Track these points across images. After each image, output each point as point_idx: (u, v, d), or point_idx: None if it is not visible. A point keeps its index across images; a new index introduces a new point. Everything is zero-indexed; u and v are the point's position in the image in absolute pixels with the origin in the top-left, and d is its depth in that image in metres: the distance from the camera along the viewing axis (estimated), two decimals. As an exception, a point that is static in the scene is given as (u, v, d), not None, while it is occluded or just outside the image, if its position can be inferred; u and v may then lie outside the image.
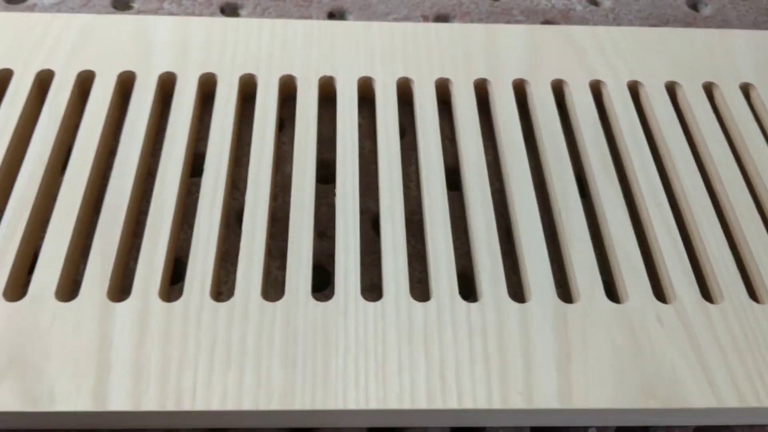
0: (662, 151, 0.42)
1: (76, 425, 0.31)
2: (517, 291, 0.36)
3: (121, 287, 0.35)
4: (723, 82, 0.45)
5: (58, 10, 0.49)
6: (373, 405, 0.31)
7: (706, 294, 0.36)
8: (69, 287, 0.35)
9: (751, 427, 0.33)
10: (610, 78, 0.44)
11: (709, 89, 0.45)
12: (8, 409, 0.30)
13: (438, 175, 0.39)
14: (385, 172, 0.39)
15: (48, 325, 0.32)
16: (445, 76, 0.44)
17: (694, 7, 0.54)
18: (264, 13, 0.50)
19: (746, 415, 0.32)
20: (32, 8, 0.49)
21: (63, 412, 0.30)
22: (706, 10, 0.53)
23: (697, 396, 0.31)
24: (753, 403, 0.31)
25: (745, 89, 0.45)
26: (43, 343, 0.32)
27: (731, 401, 0.31)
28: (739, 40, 0.47)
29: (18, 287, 0.35)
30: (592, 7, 0.53)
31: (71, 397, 0.30)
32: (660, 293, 0.35)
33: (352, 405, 0.31)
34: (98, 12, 0.49)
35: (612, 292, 0.36)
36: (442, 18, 0.51)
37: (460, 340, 0.33)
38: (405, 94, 0.44)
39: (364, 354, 0.32)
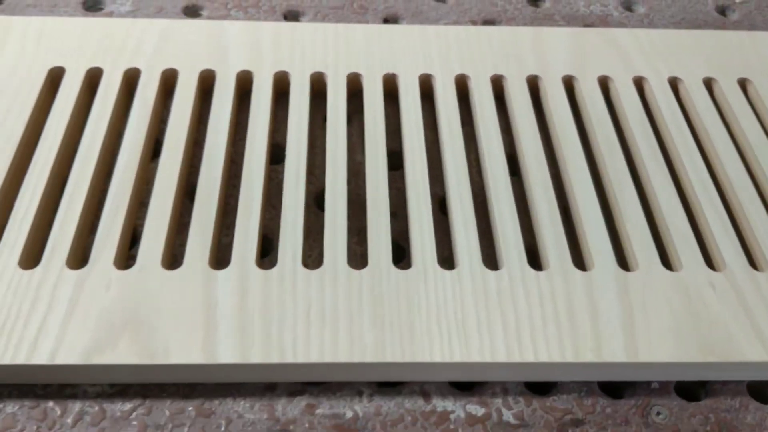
0: (702, 138, 0.45)
1: (184, 379, 0.34)
2: (579, 261, 0.39)
3: (217, 259, 0.39)
4: (755, 78, 0.48)
5: (134, 17, 0.53)
6: (457, 358, 0.34)
7: (752, 263, 0.39)
8: (170, 258, 0.38)
9: (799, 381, 0.36)
10: (651, 74, 0.48)
11: (743, 84, 0.48)
12: (127, 362, 0.33)
13: (500, 160, 0.42)
14: (449, 158, 0.43)
15: (157, 290, 0.36)
16: (499, 73, 0.48)
17: (723, 13, 0.57)
18: (324, 20, 0.54)
19: (795, 369, 0.35)
20: (110, 15, 0.53)
21: (177, 365, 0.33)
22: (733, 16, 0.57)
23: (750, 351, 0.35)
24: (802, 357, 0.35)
25: (777, 85, 0.48)
26: (154, 306, 0.35)
27: (782, 355, 0.35)
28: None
29: (124, 258, 0.38)
30: (628, 13, 0.56)
31: (184, 352, 0.33)
32: (710, 263, 0.39)
33: (438, 358, 0.34)
34: (171, 19, 0.53)
35: (666, 262, 0.39)
36: (489, 23, 0.55)
37: (531, 303, 0.36)
38: (462, 90, 0.48)
39: (445, 315, 0.35)
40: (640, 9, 0.57)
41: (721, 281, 0.37)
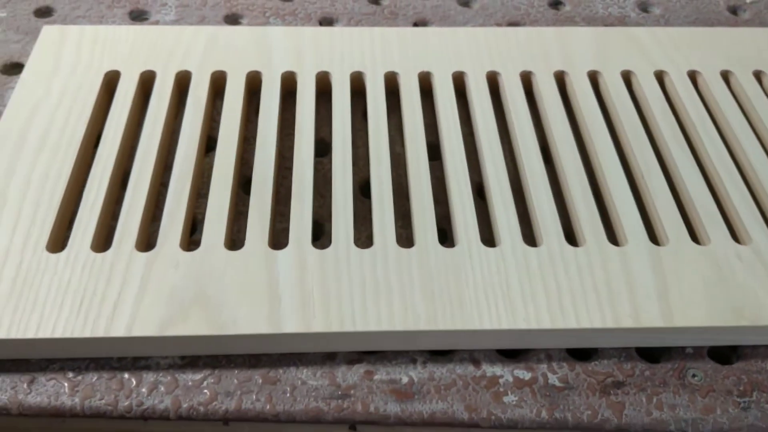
0: (722, 124, 0.48)
1: (250, 350, 0.37)
2: (613, 238, 0.41)
3: (274, 241, 0.41)
4: (770, 71, 0.51)
5: (179, 26, 0.56)
6: (505, 326, 0.36)
7: (777, 237, 0.41)
8: (231, 242, 0.41)
9: (825, 345, 0.38)
10: (671, 68, 0.51)
11: (758, 75, 0.51)
12: (199, 333, 0.36)
13: (533, 149, 0.45)
14: (486, 148, 0.45)
15: (222, 268, 0.38)
16: (528, 69, 0.50)
17: (734, 12, 0.60)
18: (357, 25, 0.57)
19: (821, 333, 0.38)
20: (156, 24, 0.56)
21: (245, 335, 0.36)
22: (745, 15, 0.60)
23: (778, 315, 0.37)
24: (827, 320, 0.37)
25: (790, 75, 0.51)
26: (220, 282, 0.37)
27: (808, 318, 0.37)
28: (781, 36, 0.54)
29: (187, 243, 0.41)
30: (645, 14, 0.59)
31: (252, 323, 0.36)
32: (736, 237, 0.41)
33: (486, 325, 0.36)
34: (216, 25, 0.56)
35: (695, 238, 0.41)
36: (513, 25, 0.58)
37: (571, 275, 0.38)
38: (493, 86, 0.50)
39: (491, 287, 0.38)
40: (656, 10, 0.60)
41: (748, 253, 0.40)
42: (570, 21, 0.58)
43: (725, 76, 0.51)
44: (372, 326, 0.36)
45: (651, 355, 0.38)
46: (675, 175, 0.44)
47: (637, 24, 0.58)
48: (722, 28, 0.54)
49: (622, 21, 0.58)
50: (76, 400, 0.35)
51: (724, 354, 0.38)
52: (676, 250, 0.40)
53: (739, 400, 0.36)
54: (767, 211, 0.43)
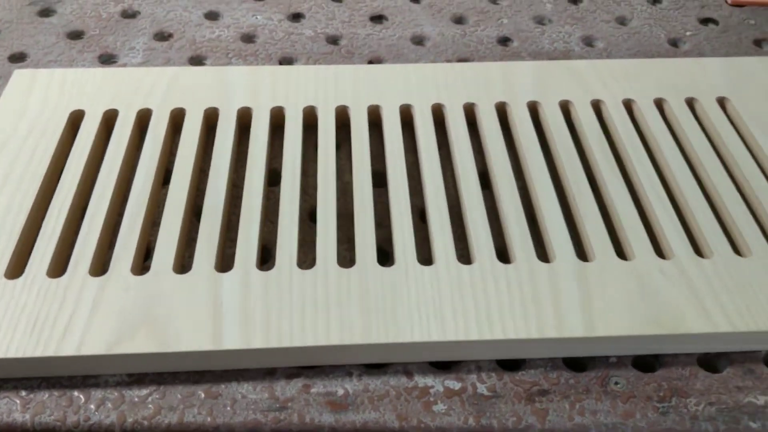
0: (653, 148, 0.50)
1: (194, 367, 0.39)
2: (542, 256, 0.43)
3: (223, 264, 0.43)
4: (702, 97, 0.54)
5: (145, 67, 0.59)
6: (435, 338, 0.38)
7: (698, 252, 0.43)
8: (181, 267, 0.43)
9: (744, 353, 0.40)
10: (608, 97, 0.54)
11: (690, 103, 0.54)
12: (145, 351, 0.38)
13: (472, 175, 0.48)
14: (428, 174, 0.48)
15: (170, 291, 0.40)
16: (471, 101, 0.53)
17: (675, 44, 0.64)
18: (315, 64, 0.60)
19: (738, 340, 0.40)
20: (124, 66, 0.59)
21: (188, 352, 0.38)
22: (684, 47, 0.63)
23: (695, 324, 0.39)
24: (742, 327, 0.39)
25: (721, 102, 0.54)
26: (168, 304, 0.40)
27: (724, 327, 0.39)
28: (715, 65, 0.57)
29: (139, 268, 0.43)
30: (588, 48, 0.63)
31: (194, 340, 0.38)
32: (660, 253, 0.43)
33: (417, 338, 0.38)
34: (179, 66, 0.59)
35: (621, 254, 0.43)
36: (462, 61, 0.61)
37: (500, 290, 0.40)
38: (438, 117, 0.53)
39: (424, 303, 0.40)
40: (599, 44, 0.63)
41: (670, 267, 0.42)
42: (517, 56, 0.61)
43: (659, 103, 0.54)
44: (309, 341, 0.38)
45: (577, 364, 0.40)
46: (605, 196, 0.47)
47: (581, 57, 0.61)
48: (658, 59, 0.57)
49: (567, 55, 0.62)
50: (27, 416, 0.37)
51: (648, 363, 0.40)
52: (602, 265, 0.42)
53: (658, 405, 0.38)
54: (692, 228, 0.45)
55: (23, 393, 0.38)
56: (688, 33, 0.64)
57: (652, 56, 0.62)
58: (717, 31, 0.65)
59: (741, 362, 0.40)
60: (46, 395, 0.38)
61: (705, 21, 0.67)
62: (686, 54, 0.62)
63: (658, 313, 0.40)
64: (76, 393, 0.38)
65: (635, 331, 0.39)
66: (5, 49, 0.61)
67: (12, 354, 0.37)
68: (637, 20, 0.66)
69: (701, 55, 0.62)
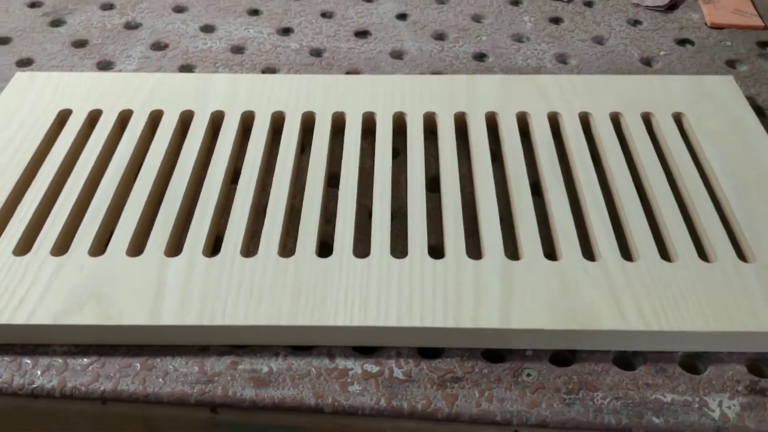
0: (602, 157, 0.52)
1: (134, 341, 0.42)
2: (474, 253, 0.45)
3: (174, 250, 0.47)
4: (659, 112, 0.55)
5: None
6: (356, 322, 0.40)
7: (627, 256, 0.45)
8: (136, 249, 0.46)
9: (660, 353, 0.41)
10: (565, 110, 0.55)
11: (647, 117, 0.55)
12: (89, 323, 0.41)
13: (420, 179, 0.50)
14: (379, 177, 0.50)
15: (120, 272, 0.44)
16: (432, 110, 0.56)
17: (648, 63, 0.65)
18: (296, 74, 0.64)
19: (652, 340, 0.41)
20: (118, 72, 0.64)
21: (128, 325, 0.41)
22: (657, 65, 0.65)
23: (609, 321, 0.40)
24: (654, 327, 0.40)
25: (677, 117, 0.55)
26: (117, 284, 0.43)
27: (637, 326, 0.40)
28: (675, 82, 0.58)
29: (99, 249, 0.46)
30: (561, 65, 0.65)
31: (134, 315, 0.41)
32: (589, 255, 0.45)
33: (340, 322, 0.41)
34: (166, 73, 0.63)
35: (552, 255, 0.45)
36: (436, 74, 0.63)
37: (426, 284, 0.43)
38: (399, 125, 0.56)
39: (352, 291, 0.42)
40: (572, 62, 0.65)
41: (594, 268, 0.43)
42: (489, 71, 0.64)
43: (615, 117, 0.55)
44: (239, 321, 0.41)
45: (496, 356, 0.41)
46: (546, 199, 0.49)
47: (551, 73, 0.63)
48: (621, 75, 0.59)
49: (538, 71, 0.64)
50: (-21, 378, 0.40)
51: (564, 358, 0.42)
52: (529, 264, 0.44)
53: (565, 396, 0.39)
54: (625, 233, 0.46)
55: (-21, 357, 0.41)
56: (662, 53, 0.66)
57: (623, 74, 0.63)
58: (691, 51, 0.66)
59: (655, 362, 0.41)
60: (-1, 360, 0.41)
61: (682, 42, 0.68)
62: (657, 73, 0.63)
63: (574, 310, 0.41)
64: (26, 359, 0.41)
65: (549, 326, 0.40)
66: (14, 54, 0.66)
67: (-31, 320, 0.41)
68: (614, 40, 0.68)
69: (672, 73, 0.63)
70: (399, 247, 0.47)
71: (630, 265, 0.44)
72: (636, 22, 0.71)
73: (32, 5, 0.74)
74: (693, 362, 0.41)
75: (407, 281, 0.43)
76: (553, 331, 0.40)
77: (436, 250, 0.46)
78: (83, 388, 0.40)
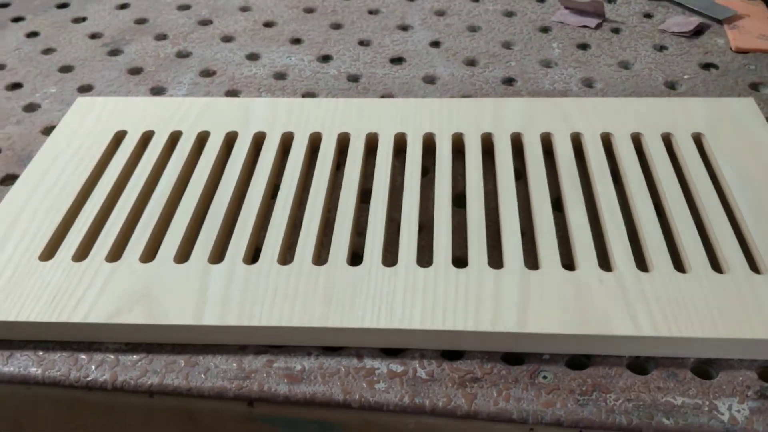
0: (622, 175, 0.54)
1: (179, 340, 0.45)
2: (496, 263, 0.48)
3: (217, 258, 0.50)
4: (679, 132, 0.57)
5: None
6: (382, 325, 0.44)
7: (643, 266, 0.47)
8: (183, 256, 0.50)
9: (672, 359, 0.43)
10: (587, 130, 0.58)
11: (667, 137, 0.57)
12: (138, 322, 0.45)
13: (447, 196, 0.53)
14: (408, 193, 0.54)
15: (167, 277, 0.48)
16: (460, 131, 0.59)
17: (672, 87, 0.67)
18: (329, 98, 0.68)
19: (663, 345, 0.43)
20: (169, 97, 0.69)
21: (173, 325, 0.45)
22: (680, 89, 0.67)
23: (621, 327, 0.43)
24: (665, 333, 0.42)
25: (697, 137, 0.57)
26: (163, 287, 0.47)
27: (647, 331, 0.42)
28: (696, 104, 0.60)
29: (149, 257, 0.50)
30: (586, 88, 0.67)
31: (179, 316, 0.45)
32: (606, 266, 0.47)
33: (367, 324, 0.44)
34: (212, 97, 0.68)
35: (569, 265, 0.48)
36: (466, 98, 0.67)
37: (449, 291, 0.45)
38: (429, 145, 0.59)
39: (379, 297, 0.45)
40: (598, 85, 0.68)
41: (609, 278, 0.46)
42: (516, 95, 0.67)
43: (635, 137, 0.58)
44: (274, 322, 0.44)
45: (514, 359, 0.44)
46: (566, 214, 0.51)
47: (577, 97, 0.66)
48: (643, 98, 0.61)
49: (564, 95, 0.66)
50: (39, 371, 0.44)
51: (580, 362, 0.44)
52: (546, 273, 0.46)
53: (579, 397, 0.41)
54: (641, 245, 0.49)
55: (40, 353, 0.46)
56: (686, 76, 0.68)
57: (646, 97, 0.65)
58: (715, 75, 0.68)
59: (667, 367, 0.43)
60: (57, 356, 0.45)
61: (706, 66, 0.70)
62: (680, 95, 0.65)
63: (588, 316, 0.43)
64: (82, 355, 0.45)
65: (564, 330, 0.43)
66: (77, 81, 0.72)
67: (33, 318, 0.45)
68: (639, 64, 0.70)
69: (694, 96, 0.65)
70: (425, 257, 0.50)
71: (644, 276, 0.46)
72: (662, 48, 0.73)
73: (93, 36, 0.80)
74: (704, 368, 0.43)
75: (431, 288, 0.46)
76: (567, 335, 0.43)
77: (460, 261, 0.49)
78: (132, 382, 0.44)
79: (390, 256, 0.50)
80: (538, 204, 0.52)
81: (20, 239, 0.51)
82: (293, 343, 0.45)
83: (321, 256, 0.51)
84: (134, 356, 0.45)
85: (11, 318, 0.45)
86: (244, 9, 0.84)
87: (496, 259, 0.49)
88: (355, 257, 0.51)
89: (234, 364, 0.44)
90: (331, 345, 0.45)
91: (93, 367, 0.45)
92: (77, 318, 0.45)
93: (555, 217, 0.51)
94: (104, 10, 0.85)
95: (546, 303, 0.44)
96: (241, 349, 0.45)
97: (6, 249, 0.50)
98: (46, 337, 0.46)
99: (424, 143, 0.59)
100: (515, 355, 0.44)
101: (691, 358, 0.43)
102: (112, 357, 0.45)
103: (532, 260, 0.49)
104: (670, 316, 0.43)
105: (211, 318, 0.45)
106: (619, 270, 0.46)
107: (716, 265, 0.47)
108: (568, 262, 0.48)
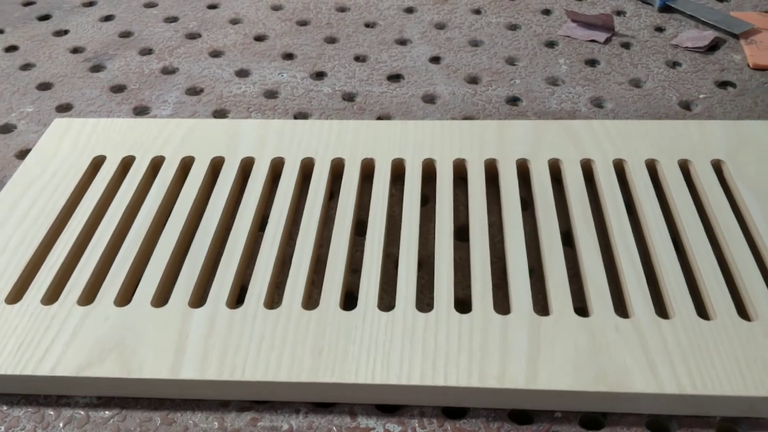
0: (638, 209, 0.50)
1: (156, 394, 0.41)
2: (502, 307, 0.44)
3: (198, 300, 0.46)
4: (697, 159, 0.53)
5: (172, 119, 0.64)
6: (378, 380, 0.39)
7: (662, 313, 0.43)
8: (161, 299, 0.46)
9: (696, 417, 0.39)
10: (598, 157, 0.54)
11: (684, 165, 0.53)
12: (110, 376, 0.41)
13: (448, 228, 0.49)
14: (406, 226, 0.50)
15: (144, 322, 0.44)
16: (462, 157, 0.55)
17: (687, 107, 0.63)
18: (327, 119, 0.64)
19: (687, 404, 0.39)
20: (153, 117, 0.65)
21: (148, 379, 0.41)
22: (696, 109, 0.63)
23: (641, 383, 0.39)
24: (689, 390, 0.38)
25: (717, 164, 0.53)
26: (139, 334, 0.43)
27: (670, 389, 0.38)
28: (715, 127, 0.56)
29: (126, 299, 0.46)
30: (596, 109, 0.63)
31: (155, 369, 0.41)
32: (621, 311, 0.43)
33: (361, 380, 0.40)
34: (199, 118, 0.64)
35: (582, 310, 0.44)
36: (467, 119, 0.63)
37: (451, 339, 0.41)
38: (429, 172, 0.55)
39: (375, 346, 0.41)
40: (608, 105, 0.64)
41: (626, 325, 0.42)
42: (522, 116, 0.63)
43: (651, 164, 0.54)
44: (258, 376, 0.40)
45: (523, 417, 0.40)
46: (577, 250, 0.47)
47: (586, 118, 0.62)
48: (658, 120, 0.57)
49: (573, 115, 0.62)
50: (2, 429, 0.40)
51: (595, 421, 0.40)
52: (558, 320, 0.42)
53: (595, 463, 0.37)
54: (660, 288, 0.45)
55: (4, 408, 0.42)
56: (701, 96, 0.64)
57: (660, 118, 0.62)
58: (733, 94, 0.64)
59: (691, 426, 0.39)
60: (23, 411, 0.41)
61: (723, 84, 0.66)
62: (696, 117, 0.62)
63: (604, 371, 0.39)
64: (49, 411, 0.41)
65: (578, 387, 0.39)
66: (55, 100, 0.68)
67: (-5, 371, 0.41)
68: (652, 82, 0.66)
69: (711, 118, 0.61)
70: (425, 299, 0.46)
71: (665, 323, 0.42)
72: (675, 64, 0.69)
73: (74, 51, 0.76)
74: (732, 428, 0.39)
75: (432, 336, 0.42)
76: (582, 392, 0.39)
77: (463, 303, 0.45)
78: (103, 442, 0.40)
79: (387, 297, 0.46)
80: (546, 238, 0.48)
81: (-15, 279, 0.47)
82: (280, 398, 0.41)
83: (312, 297, 0.47)
84: (106, 412, 0.41)
85: (-29, 370, 0.41)
86: (235, 21, 0.80)
87: (502, 301, 0.45)
88: (349, 297, 0.47)
89: (215, 423, 0.40)
90: (322, 401, 0.41)
91: (61, 424, 0.41)
92: (44, 371, 0.41)
93: (565, 253, 0.47)
94: (87, 23, 0.81)
95: (558, 355, 0.40)
96: (223, 405, 0.41)
97: (-31, 290, 0.46)
98: (11, 390, 0.42)
99: (423, 169, 0.55)
100: (524, 413, 0.40)
101: (717, 417, 0.39)
102: (82, 413, 0.41)
103: (541, 302, 0.45)
104: (694, 371, 0.39)
105: (189, 371, 0.41)
106: (636, 316, 0.42)
107: (743, 311, 0.43)
108: (580, 305, 0.44)
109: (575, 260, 0.47)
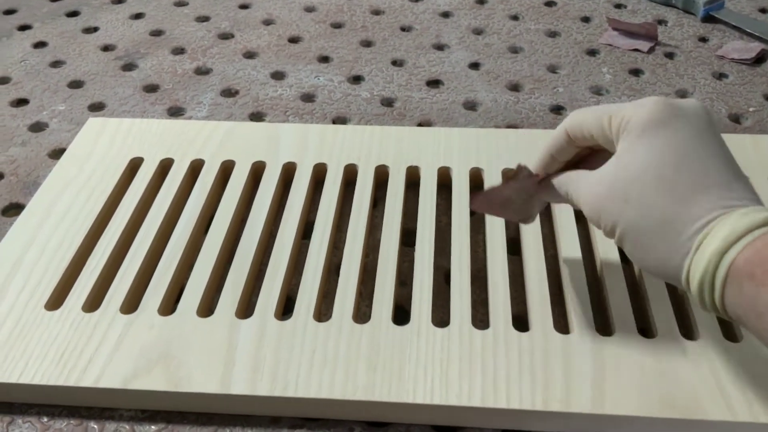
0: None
1: (204, 409, 0.40)
2: (561, 327, 0.43)
3: (245, 311, 0.45)
4: (753, 175, 0.52)
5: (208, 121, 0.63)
6: (437, 401, 0.38)
7: (729, 335, 0.41)
8: (206, 309, 0.45)
9: (767, 446, 0.38)
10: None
11: (741, 180, 0.52)
12: (157, 389, 0.39)
13: (500, 240, 0.48)
14: (456, 237, 0.48)
15: (190, 332, 0.42)
16: (510, 167, 0.54)
17: (737, 120, 0.62)
18: (366, 124, 0.62)
19: (760, 432, 0.37)
20: (189, 119, 0.63)
21: (197, 393, 0.39)
22: (746, 123, 0.61)
23: (713, 410, 0.37)
24: (763, 419, 0.37)
25: (774, 180, 0.52)
26: (186, 345, 0.41)
27: (743, 417, 0.37)
28: (769, 142, 0.55)
29: (169, 307, 0.45)
30: (643, 120, 0.62)
31: (204, 382, 0.39)
32: (686, 333, 0.42)
33: (419, 399, 0.38)
34: (237, 121, 0.63)
35: (646, 331, 0.42)
36: (511, 128, 0.61)
37: (511, 359, 0.40)
38: (476, 181, 0.54)
39: (431, 364, 0.40)
40: (655, 116, 0.62)
41: (694, 348, 0.40)
42: (567, 124, 0.61)
43: (706, 178, 0.52)
44: (312, 393, 0.39)
45: (585, 442, 0.38)
46: (636, 271, 0.46)
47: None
48: (711, 133, 0.56)
49: (619, 126, 0.61)
50: (44, 441, 0.39)
51: (660, 447, 0.38)
52: (622, 341, 0.41)
53: (666, 493, 0.36)
54: (724, 309, 0.43)
55: (45, 419, 0.40)
56: (751, 109, 0.62)
57: (710, 131, 0.60)
58: (783, 108, 0.63)
59: (763, 456, 0.37)
60: (65, 423, 0.40)
61: (772, 97, 0.65)
62: (746, 130, 0.60)
63: (673, 396, 0.38)
64: (92, 423, 0.40)
65: (645, 413, 0.37)
66: (87, 98, 0.66)
67: (37, 381, 0.40)
68: (699, 94, 0.65)
69: (762, 132, 0.60)
70: (479, 315, 0.45)
71: (733, 346, 0.40)
72: (721, 75, 0.68)
73: (105, 48, 0.74)
74: (806, 458, 0.38)
75: (491, 355, 0.40)
76: (651, 418, 0.37)
77: (520, 321, 0.43)
78: (150, 458, 0.38)
79: (438, 312, 0.44)
80: (603, 251, 0.46)
81: (24, 283, 0.45)
82: (333, 416, 0.40)
83: (361, 310, 0.46)
84: (152, 426, 0.40)
85: (13, 380, 0.40)
86: (267, 22, 0.79)
87: (559, 317, 0.43)
88: (400, 312, 0.46)
89: (266, 440, 0.39)
90: (377, 420, 0.40)
91: (105, 438, 0.39)
92: (88, 382, 0.40)
93: (623, 269, 0.45)
94: (117, 20, 0.79)
95: (624, 378, 0.39)
96: (274, 422, 0.40)
97: (7, 295, 0.45)
98: (53, 400, 0.41)
99: (470, 178, 0.53)
100: (587, 438, 0.39)
101: (790, 446, 0.38)
102: (126, 427, 0.40)
103: (601, 320, 0.43)
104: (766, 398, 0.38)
105: (240, 386, 0.39)
106: (704, 339, 0.41)
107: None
108: (643, 325, 0.43)
109: (632, 274, 0.46)
